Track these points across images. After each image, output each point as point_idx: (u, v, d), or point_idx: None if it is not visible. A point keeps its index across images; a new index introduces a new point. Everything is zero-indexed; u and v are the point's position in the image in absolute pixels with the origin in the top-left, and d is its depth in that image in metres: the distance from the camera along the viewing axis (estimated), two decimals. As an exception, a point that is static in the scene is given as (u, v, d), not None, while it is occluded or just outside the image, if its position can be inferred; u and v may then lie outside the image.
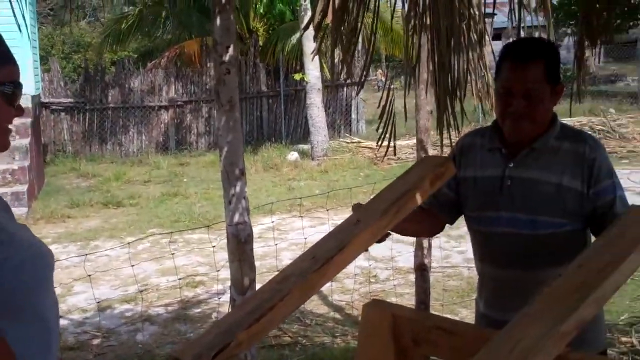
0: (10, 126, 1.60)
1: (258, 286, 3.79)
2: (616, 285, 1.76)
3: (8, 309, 1.52)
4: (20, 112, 1.61)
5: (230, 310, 3.31)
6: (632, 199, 2.23)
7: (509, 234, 2.22)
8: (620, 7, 18.55)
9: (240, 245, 3.14)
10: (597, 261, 1.79)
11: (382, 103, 3.34)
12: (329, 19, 3.11)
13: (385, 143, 3.42)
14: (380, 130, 3.42)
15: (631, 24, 20.87)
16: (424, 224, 2.47)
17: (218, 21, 3.06)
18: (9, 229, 1.59)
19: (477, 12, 3.25)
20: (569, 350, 1.98)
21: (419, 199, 2.30)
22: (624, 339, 4.57)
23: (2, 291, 1.49)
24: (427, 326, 2.26)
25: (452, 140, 3.60)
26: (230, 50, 3.07)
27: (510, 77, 2.16)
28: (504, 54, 2.22)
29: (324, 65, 14.29)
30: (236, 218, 3.12)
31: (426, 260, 4.31)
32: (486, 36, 3.53)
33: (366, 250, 1.98)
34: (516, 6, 3.03)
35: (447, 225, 2.43)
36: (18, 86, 1.60)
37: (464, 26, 3.17)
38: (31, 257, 1.58)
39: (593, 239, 2.20)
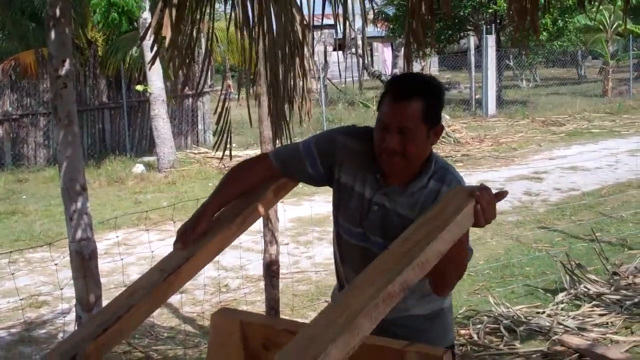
0: None
1: (105, 302, 3.73)
2: (438, 252, 1.90)
3: None
4: None
5: (76, 327, 3.25)
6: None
7: (368, 250, 2.26)
8: (451, 20, 19.66)
9: (85, 262, 3.09)
10: (419, 234, 1.94)
11: (219, 111, 3.39)
12: (165, 31, 3.13)
13: (226, 152, 3.49)
14: (217, 140, 3.48)
15: (461, 34, 22.15)
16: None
17: (53, 34, 3.00)
18: None
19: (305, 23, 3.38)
20: (407, 344, 2.13)
21: (262, 210, 2.37)
22: (462, 331, 4.87)
23: None
24: (276, 330, 2.33)
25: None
26: (67, 64, 3.02)
27: (388, 112, 2.16)
28: (386, 88, 2.22)
29: (168, 76, 14.12)
30: (79, 234, 3.08)
31: (274, 267, 4.40)
32: (328, 47, 3.68)
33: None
34: (341, 19, 3.18)
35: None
36: None
37: (295, 38, 3.29)
38: None
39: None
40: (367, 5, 3.60)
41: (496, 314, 5.07)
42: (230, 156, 3.53)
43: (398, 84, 2.25)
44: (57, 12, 2.95)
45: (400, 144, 2.15)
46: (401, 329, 2.30)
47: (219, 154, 3.52)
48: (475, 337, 4.75)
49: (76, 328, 3.22)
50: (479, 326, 4.89)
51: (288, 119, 3.47)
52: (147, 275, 2.09)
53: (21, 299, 5.31)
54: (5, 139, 14.85)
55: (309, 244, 7.47)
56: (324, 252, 7.18)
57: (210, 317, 2.42)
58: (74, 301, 3.79)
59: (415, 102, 2.14)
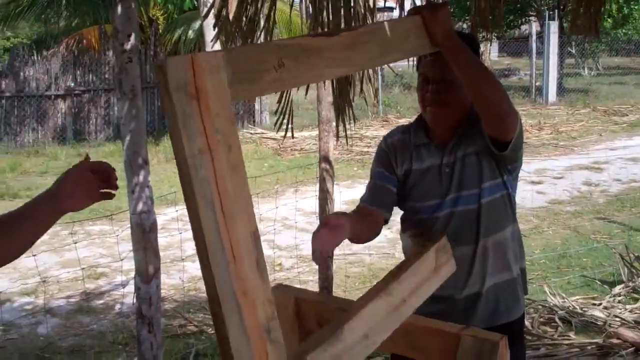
0: None
1: (163, 276, 3.79)
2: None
3: None
4: None
5: (135, 300, 3.31)
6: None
7: (460, 213, 2.28)
8: (513, 4, 19.26)
9: (145, 234, 3.15)
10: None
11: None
12: (230, 9, 3.16)
13: (287, 133, 3.51)
14: (278, 120, 3.50)
15: (523, 20, 21.73)
16: (365, 226, 2.33)
17: (119, 9, 3.05)
18: None
19: (371, 5, 3.37)
20: (463, 328, 2.12)
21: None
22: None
23: None
24: (331, 308, 2.34)
25: (352, 131, 3.76)
26: (132, 38, 3.06)
27: (426, 65, 2.26)
28: None
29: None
30: (140, 207, 3.13)
31: (329, 247, 4.41)
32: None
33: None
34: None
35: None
36: None
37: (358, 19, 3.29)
38: None
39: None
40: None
41: (551, 304, 5.00)
42: (293, 134, 3.56)
43: None
44: (125, -13, 3.00)
45: (443, 92, 2.23)
46: (503, 295, 2.35)
47: (275, 133, 3.57)
48: (529, 326, 4.70)
49: (135, 300, 3.28)
50: (533, 315, 4.84)
51: (352, 100, 3.48)
52: None
53: (82, 268, 5.44)
54: (67, 114, 15.17)
55: (362, 227, 7.46)
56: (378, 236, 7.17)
57: (267, 293, 2.44)
58: (131, 274, 3.87)
59: None
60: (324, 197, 4.37)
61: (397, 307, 1.92)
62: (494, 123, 2.16)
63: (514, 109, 2.17)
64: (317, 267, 4.62)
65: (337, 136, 3.95)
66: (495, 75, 2.18)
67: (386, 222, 2.43)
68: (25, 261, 5.93)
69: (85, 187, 1.72)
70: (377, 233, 2.41)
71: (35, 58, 15.20)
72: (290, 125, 3.53)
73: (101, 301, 5.62)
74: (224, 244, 1.25)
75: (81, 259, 6.15)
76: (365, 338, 1.75)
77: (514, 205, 2.38)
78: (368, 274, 6.06)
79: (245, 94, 1.41)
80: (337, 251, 5.00)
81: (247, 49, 1.42)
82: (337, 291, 5.22)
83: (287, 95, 3.47)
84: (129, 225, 3.22)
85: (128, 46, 3.07)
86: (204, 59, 1.23)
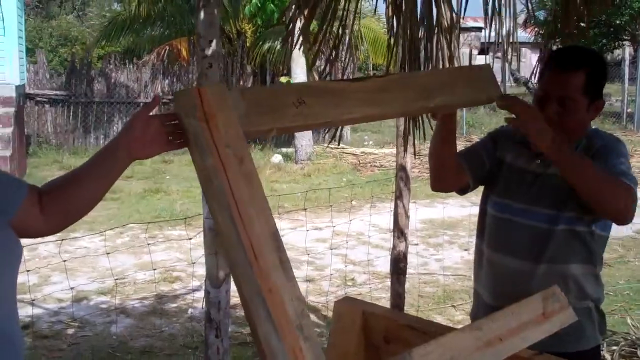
0: None
1: (231, 284, 3.80)
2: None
3: None
4: None
5: (204, 304, 3.32)
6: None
7: (528, 226, 2.24)
8: (606, 28, 18.76)
9: (217, 239, 3.15)
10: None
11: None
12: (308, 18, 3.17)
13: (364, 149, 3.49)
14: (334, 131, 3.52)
15: (616, 44, 21.10)
16: (452, 166, 2.32)
17: (202, 15, 3.07)
18: None
19: (455, 24, 3.32)
20: (535, 353, 2.03)
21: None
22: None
23: None
24: (399, 325, 2.29)
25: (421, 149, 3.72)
26: (213, 44, 3.08)
27: (549, 81, 2.19)
28: (548, 60, 2.26)
29: (312, 71, 14.32)
30: (214, 211, 3.14)
31: (402, 265, 4.34)
32: (472, 50, 3.59)
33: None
34: (492, 22, 3.12)
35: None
36: None
37: (439, 38, 3.24)
38: None
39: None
40: (520, 7, 3.51)
41: (634, 338, 4.78)
42: (339, 142, 3.58)
43: (561, 54, 2.29)
44: (209, -8, 3.02)
45: (560, 114, 2.15)
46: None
47: (355, 150, 3.57)
48: (609, 359, 4.50)
49: (204, 304, 3.29)
50: (613, 348, 4.63)
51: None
52: None
53: (154, 269, 5.52)
54: (154, 122, 15.56)
55: (438, 247, 7.34)
56: (454, 256, 7.05)
57: (334, 304, 2.41)
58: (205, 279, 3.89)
59: (577, 73, 2.15)
60: (399, 212, 4.30)
61: (491, 344, 1.85)
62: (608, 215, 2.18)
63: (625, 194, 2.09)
64: (389, 284, 4.54)
65: (415, 153, 3.90)
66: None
67: (467, 188, 2.40)
68: (103, 261, 6.08)
69: (154, 133, 1.67)
70: (458, 186, 2.40)
71: (127, 66, 15.68)
72: (339, 135, 3.56)
73: (174, 304, 5.69)
74: (245, 244, 1.37)
75: (158, 262, 6.26)
76: None
77: (600, 248, 2.29)
78: (442, 295, 5.94)
79: (265, 126, 1.56)
80: (411, 270, 4.93)
81: (264, 87, 1.73)
82: (410, 310, 5.13)
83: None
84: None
85: (209, 52, 3.08)
86: (209, 89, 1.48)
